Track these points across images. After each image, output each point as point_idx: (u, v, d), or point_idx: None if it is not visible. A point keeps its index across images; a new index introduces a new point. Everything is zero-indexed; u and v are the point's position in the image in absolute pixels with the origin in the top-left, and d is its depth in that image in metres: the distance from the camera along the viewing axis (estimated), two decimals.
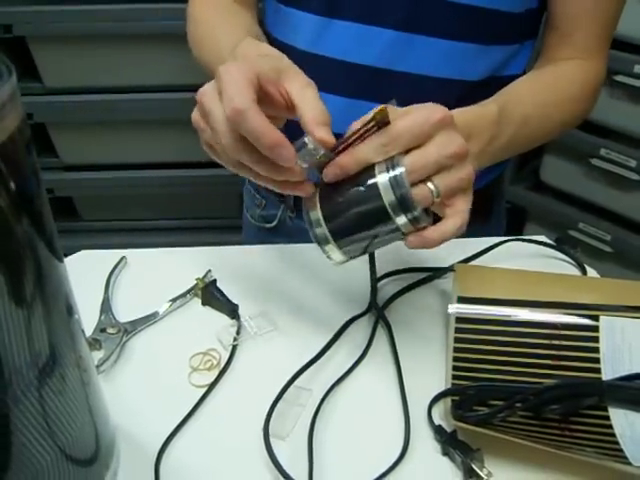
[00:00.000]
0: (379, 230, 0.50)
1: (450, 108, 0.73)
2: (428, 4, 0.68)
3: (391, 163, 0.49)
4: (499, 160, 0.66)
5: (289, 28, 0.75)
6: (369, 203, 0.49)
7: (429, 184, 0.49)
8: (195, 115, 0.52)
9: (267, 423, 0.51)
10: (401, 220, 0.49)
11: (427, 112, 0.50)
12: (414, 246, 0.51)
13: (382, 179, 0.48)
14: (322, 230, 0.51)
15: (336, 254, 0.52)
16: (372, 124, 0.49)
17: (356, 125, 0.50)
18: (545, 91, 0.70)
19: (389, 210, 0.48)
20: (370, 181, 0.49)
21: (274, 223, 0.89)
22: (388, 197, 0.48)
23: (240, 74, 0.48)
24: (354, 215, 0.50)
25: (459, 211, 0.51)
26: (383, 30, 0.70)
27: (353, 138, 0.49)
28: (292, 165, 0.48)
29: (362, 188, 0.49)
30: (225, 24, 0.72)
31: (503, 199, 0.92)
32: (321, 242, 0.51)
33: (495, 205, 0.89)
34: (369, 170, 0.49)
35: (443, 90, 0.72)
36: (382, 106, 0.49)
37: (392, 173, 0.48)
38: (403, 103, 0.71)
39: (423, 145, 0.49)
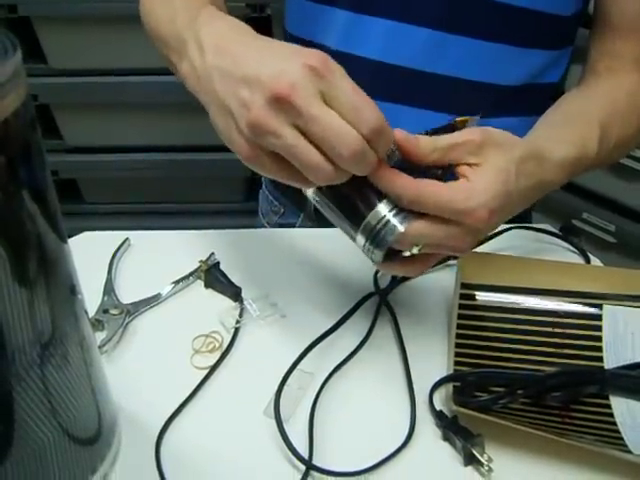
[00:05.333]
0: (343, 223, 0.48)
1: (485, 114, 0.71)
2: (469, 2, 0.65)
3: (400, 213, 0.46)
4: None
5: (316, 26, 0.72)
6: (357, 209, 0.46)
7: (415, 248, 0.47)
8: (269, 117, 0.41)
9: (277, 401, 0.51)
10: (360, 241, 0.47)
11: (472, 207, 0.45)
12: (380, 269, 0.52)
13: (381, 212, 0.46)
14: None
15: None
16: (449, 129, 0.48)
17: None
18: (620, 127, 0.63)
19: (359, 232, 0.47)
20: (372, 199, 0.46)
21: None
22: (367, 230, 0.46)
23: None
24: (343, 196, 0.47)
25: (425, 262, 0.51)
26: (418, 28, 0.66)
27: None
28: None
29: (363, 195, 0.46)
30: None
31: None
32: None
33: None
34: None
35: (479, 94, 0.69)
36: (468, 117, 0.48)
37: (391, 222, 0.46)
38: (437, 106, 0.70)
39: (438, 221, 0.46)
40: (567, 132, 0.59)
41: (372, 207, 0.46)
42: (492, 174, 0.47)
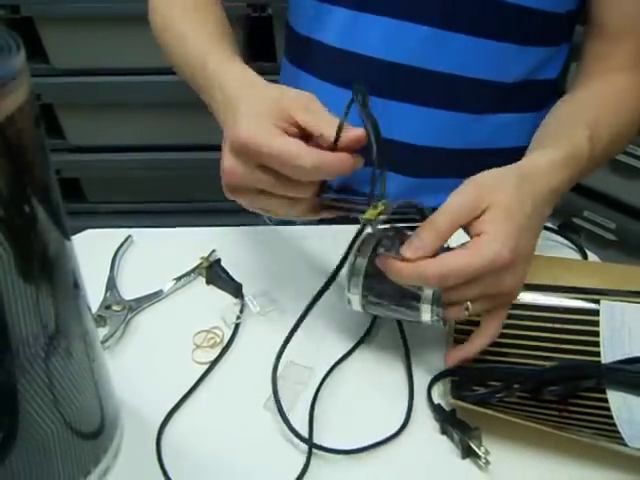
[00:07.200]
0: (403, 311, 0.52)
1: (484, 111, 0.71)
2: (468, 0, 0.65)
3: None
4: None
5: (316, 22, 0.72)
6: (407, 300, 0.51)
7: (465, 307, 0.50)
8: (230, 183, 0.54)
9: (275, 388, 0.52)
10: (426, 317, 0.51)
11: (491, 258, 0.47)
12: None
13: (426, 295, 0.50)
14: (357, 280, 0.52)
15: (355, 304, 0.54)
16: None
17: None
18: (611, 132, 0.63)
19: (421, 313, 0.51)
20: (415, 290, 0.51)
21: None
22: (425, 310, 0.51)
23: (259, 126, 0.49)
24: (390, 289, 0.51)
25: (486, 334, 0.53)
26: (418, 26, 0.67)
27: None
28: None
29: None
30: (193, 25, 0.67)
31: None
32: (350, 287, 0.53)
33: None
34: None
35: (477, 92, 0.70)
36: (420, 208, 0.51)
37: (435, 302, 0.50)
38: (436, 104, 0.70)
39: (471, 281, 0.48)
40: (553, 139, 0.59)
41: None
42: (498, 220, 0.48)
